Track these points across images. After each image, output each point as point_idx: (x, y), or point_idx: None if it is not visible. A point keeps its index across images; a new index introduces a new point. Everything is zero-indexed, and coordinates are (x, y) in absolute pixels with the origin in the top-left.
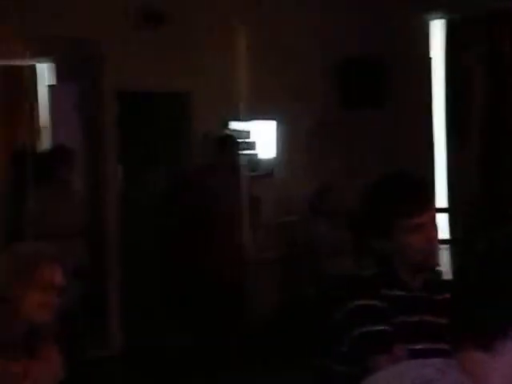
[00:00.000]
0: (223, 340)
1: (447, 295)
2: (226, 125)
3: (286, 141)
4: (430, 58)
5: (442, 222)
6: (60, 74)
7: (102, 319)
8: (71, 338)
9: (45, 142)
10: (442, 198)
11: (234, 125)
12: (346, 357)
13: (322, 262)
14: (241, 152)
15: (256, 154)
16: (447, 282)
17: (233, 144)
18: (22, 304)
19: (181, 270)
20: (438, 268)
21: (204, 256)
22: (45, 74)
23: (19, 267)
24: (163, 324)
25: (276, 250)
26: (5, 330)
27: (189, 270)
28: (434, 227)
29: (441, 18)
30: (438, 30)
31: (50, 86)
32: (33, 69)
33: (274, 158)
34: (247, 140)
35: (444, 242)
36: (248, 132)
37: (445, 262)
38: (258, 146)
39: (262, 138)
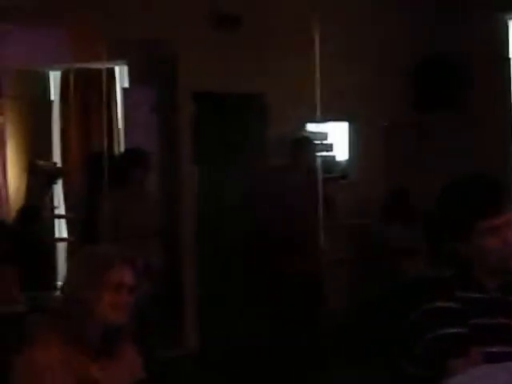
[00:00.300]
0: (299, 340)
1: None
2: (303, 126)
3: (359, 142)
4: (509, 59)
5: None
6: (136, 75)
7: (177, 319)
8: (147, 337)
9: (120, 144)
10: None
11: (311, 126)
12: (421, 359)
13: (396, 264)
14: (317, 154)
15: (333, 156)
16: None
17: (309, 145)
18: (95, 305)
19: (256, 271)
20: None
21: (280, 256)
22: (120, 75)
23: (91, 269)
24: (238, 324)
25: (350, 251)
26: (81, 330)
27: (265, 270)
28: (511, 229)
29: None
30: None
31: (125, 89)
32: (111, 71)
33: (348, 160)
34: (324, 142)
35: None
36: (325, 134)
37: None
38: (334, 147)
39: (336, 139)
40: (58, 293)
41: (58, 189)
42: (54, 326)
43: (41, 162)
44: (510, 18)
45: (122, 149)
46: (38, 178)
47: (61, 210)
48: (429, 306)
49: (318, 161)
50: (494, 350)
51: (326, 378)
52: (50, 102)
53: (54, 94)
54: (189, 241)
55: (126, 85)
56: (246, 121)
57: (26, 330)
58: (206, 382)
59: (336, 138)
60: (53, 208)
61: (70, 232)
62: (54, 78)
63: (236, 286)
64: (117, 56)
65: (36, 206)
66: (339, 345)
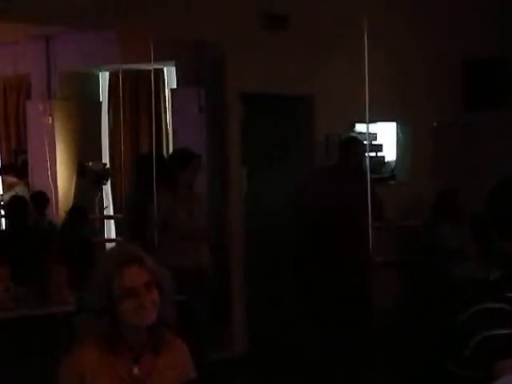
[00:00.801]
0: (348, 340)
1: None
2: (352, 127)
3: (408, 143)
4: None
5: None
6: (184, 76)
7: (225, 320)
8: (197, 338)
9: (169, 145)
10: None
11: (359, 127)
12: (470, 360)
13: (446, 265)
14: (366, 154)
15: (382, 157)
16: None
17: (358, 146)
18: (118, 311)
19: (305, 271)
20: None
21: (329, 257)
22: (169, 76)
23: (105, 275)
24: (287, 324)
25: (399, 252)
26: (115, 333)
27: (314, 271)
28: None
29: None
30: None
31: (173, 89)
32: (159, 72)
33: (396, 160)
34: (373, 142)
35: None
36: (374, 134)
37: None
38: (383, 148)
39: (385, 139)
40: None
41: (107, 190)
42: (95, 328)
43: (90, 163)
44: None
45: (171, 150)
46: (87, 179)
47: (110, 210)
48: (478, 307)
49: (367, 161)
50: None
51: (374, 377)
52: (99, 103)
53: (103, 95)
54: (237, 242)
55: (175, 85)
56: (294, 121)
57: (75, 330)
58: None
59: (385, 138)
60: (102, 209)
61: (118, 233)
62: (103, 79)
63: (285, 287)
64: (165, 57)
65: (85, 207)
66: (387, 346)
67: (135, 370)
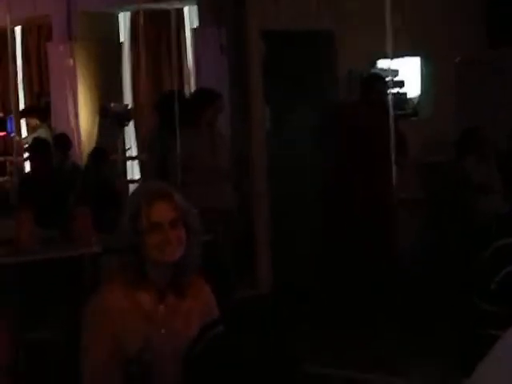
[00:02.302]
0: (370, 278)
1: None
2: (374, 63)
3: (431, 78)
4: None
5: None
6: (205, 16)
7: (250, 260)
8: (222, 278)
9: (191, 85)
10: None
11: (382, 63)
12: (496, 295)
13: (472, 200)
14: (388, 91)
15: (404, 93)
16: None
17: (380, 83)
18: (143, 246)
19: (328, 209)
20: None
21: (353, 194)
22: (190, 16)
23: (133, 209)
24: (310, 264)
25: (423, 189)
26: (141, 271)
27: (337, 209)
28: None
29: None
30: None
31: (195, 29)
32: (180, 12)
33: (419, 97)
34: (395, 78)
35: None
36: (396, 70)
37: None
38: (405, 84)
39: (407, 75)
40: None
41: (130, 131)
42: (121, 267)
43: (112, 104)
44: None
45: (192, 90)
46: (110, 120)
47: (132, 151)
48: (501, 242)
49: (389, 98)
50: None
51: (400, 316)
52: (120, 44)
53: (124, 35)
54: (261, 180)
55: (196, 25)
56: (315, 58)
57: (100, 271)
58: (278, 323)
59: (407, 74)
60: (124, 150)
61: (141, 173)
62: (124, 19)
63: (309, 226)
64: None
65: (107, 149)
66: (413, 282)
67: (161, 308)
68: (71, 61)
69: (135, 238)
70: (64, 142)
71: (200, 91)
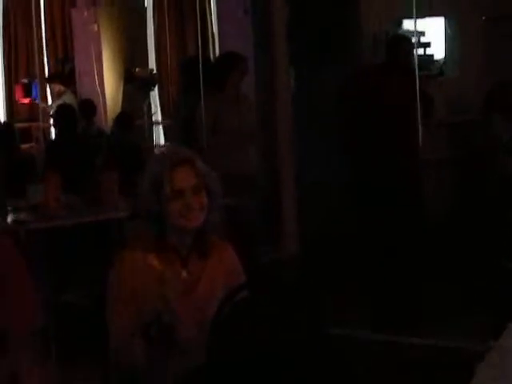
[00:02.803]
0: (397, 239)
1: None
2: (400, 23)
3: (456, 38)
4: None
5: None
6: None
7: (276, 223)
8: (246, 241)
9: (215, 49)
10: None
11: (407, 24)
12: None
13: (499, 160)
14: (414, 51)
15: (430, 54)
16: None
17: (405, 43)
18: (165, 212)
19: (356, 171)
20: None
21: (379, 156)
22: None
23: (155, 176)
24: (336, 228)
25: (450, 150)
26: (161, 237)
27: (362, 172)
28: None
29: None
30: None
31: None
32: None
33: (445, 57)
34: (421, 39)
35: None
36: (422, 31)
37: None
38: (431, 45)
39: (432, 36)
40: None
41: (155, 95)
42: (143, 233)
43: (136, 70)
44: None
45: (217, 53)
46: (134, 85)
47: (157, 116)
48: None
49: (415, 58)
50: None
51: (427, 278)
52: (144, 9)
53: (148, 0)
54: (286, 142)
55: None
56: (340, 20)
57: (126, 235)
58: (304, 286)
59: (432, 34)
60: (150, 115)
61: (167, 138)
62: None
63: (335, 190)
64: None
65: (132, 114)
66: (440, 245)
67: (183, 274)
68: (95, 26)
69: (157, 205)
70: (89, 107)
71: (225, 55)
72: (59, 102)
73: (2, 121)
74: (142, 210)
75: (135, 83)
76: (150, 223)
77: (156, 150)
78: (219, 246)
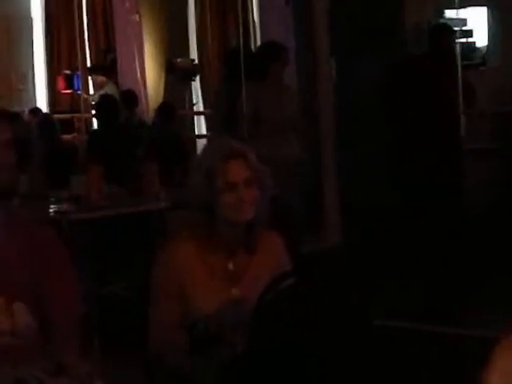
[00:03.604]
0: (439, 229)
1: None
2: (441, 13)
3: (499, 27)
4: None
5: None
6: None
7: (318, 213)
8: (288, 231)
9: (257, 39)
10: None
11: (449, 13)
12: None
13: None
14: (456, 40)
15: (472, 43)
16: None
17: (448, 32)
18: (217, 205)
19: (399, 164)
20: None
21: (420, 146)
22: None
23: (208, 168)
24: (379, 215)
25: (492, 140)
26: (211, 229)
27: (405, 160)
28: None
29: None
30: None
31: None
32: None
33: (487, 46)
34: (463, 28)
35: None
36: (464, 20)
37: None
38: (473, 34)
39: (474, 24)
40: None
41: (196, 86)
42: (190, 223)
43: (178, 60)
44: None
45: (258, 43)
46: (176, 75)
47: (199, 106)
48: None
49: (457, 48)
50: None
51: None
52: None
53: None
54: (328, 132)
55: None
56: (382, 9)
57: (167, 225)
58: (347, 275)
59: (474, 23)
60: (191, 105)
61: (208, 128)
62: None
63: (378, 177)
64: None
65: (174, 104)
66: (482, 234)
67: (230, 266)
68: (137, 17)
69: (209, 197)
70: (131, 98)
71: (266, 45)
72: (101, 92)
73: (44, 112)
74: (193, 201)
75: (177, 73)
76: (199, 215)
77: (207, 142)
78: (267, 237)
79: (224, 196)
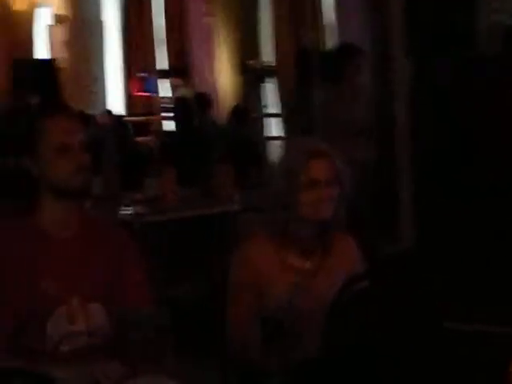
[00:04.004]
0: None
1: None
2: None
3: None
4: None
5: None
6: None
7: (393, 216)
8: (362, 231)
9: (332, 41)
10: None
11: None
12: None
13: None
14: None
15: None
16: None
17: None
18: (297, 202)
19: (467, 165)
20: None
21: (494, 153)
22: None
23: (290, 166)
24: (453, 217)
25: None
26: (288, 229)
27: (478, 163)
28: None
29: None
30: None
31: None
32: None
33: None
34: None
35: None
36: None
37: None
38: None
39: None
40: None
41: (269, 87)
42: (265, 224)
43: (251, 62)
44: None
45: (334, 45)
46: (249, 78)
47: (272, 108)
48: None
49: None
50: None
51: None
52: (258, 1)
53: None
54: (403, 136)
55: None
56: (457, 11)
57: (241, 227)
58: (422, 277)
59: None
60: (264, 107)
61: (281, 130)
62: None
63: (453, 181)
64: None
65: (247, 106)
66: None
67: (306, 265)
68: (211, 19)
69: (289, 194)
70: (205, 100)
71: (340, 46)
72: (176, 95)
73: (118, 115)
74: (273, 198)
75: (249, 75)
76: (278, 213)
77: (288, 141)
78: (342, 239)
79: (305, 193)
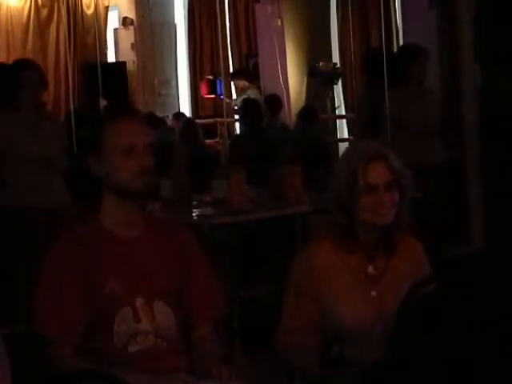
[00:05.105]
0: None
1: None
2: None
3: None
4: None
5: None
6: None
7: (462, 217)
8: (431, 235)
9: (399, 42)
10: None
11: None
12: None
13: None
14: None
15: None
16: None
17: None
18: (357, 207)
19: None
20: None
21: None
22: None
23: (349, 170)
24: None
25: None
26: (351, 231)
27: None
28: None
29: None
30: None
31: None
32: None
33: None
34: None
35: None
36: None
37: None
38: None
39: None
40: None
41: (338, 89)
42: (330, 227)
43: (320, 64)
44: None
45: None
46: (318, 79)
47: (341, 110)
48: None
49: None
50: None
51: None
52: (327, 2)
53: None
54: (472, 138)
55: None
56: None
57: (309, 230)
58: (493, 280)
59: None
60: (333, 109)
61: (350, 132)
62: None
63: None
64: None
65: (316, 108)
66: None
67: (370, 269)
68: (279, 21)
69: (348, 199)
70: (274, 102)
71: (404, 47)
72: (244, 97)
73: (187, 117)
74: (334, 202)
75: (318, 77)
76: (340, 217)
77: (349, 145)
78: (407, 243)
79: (364, 198)
